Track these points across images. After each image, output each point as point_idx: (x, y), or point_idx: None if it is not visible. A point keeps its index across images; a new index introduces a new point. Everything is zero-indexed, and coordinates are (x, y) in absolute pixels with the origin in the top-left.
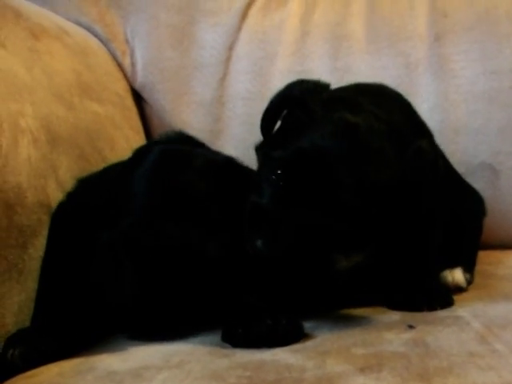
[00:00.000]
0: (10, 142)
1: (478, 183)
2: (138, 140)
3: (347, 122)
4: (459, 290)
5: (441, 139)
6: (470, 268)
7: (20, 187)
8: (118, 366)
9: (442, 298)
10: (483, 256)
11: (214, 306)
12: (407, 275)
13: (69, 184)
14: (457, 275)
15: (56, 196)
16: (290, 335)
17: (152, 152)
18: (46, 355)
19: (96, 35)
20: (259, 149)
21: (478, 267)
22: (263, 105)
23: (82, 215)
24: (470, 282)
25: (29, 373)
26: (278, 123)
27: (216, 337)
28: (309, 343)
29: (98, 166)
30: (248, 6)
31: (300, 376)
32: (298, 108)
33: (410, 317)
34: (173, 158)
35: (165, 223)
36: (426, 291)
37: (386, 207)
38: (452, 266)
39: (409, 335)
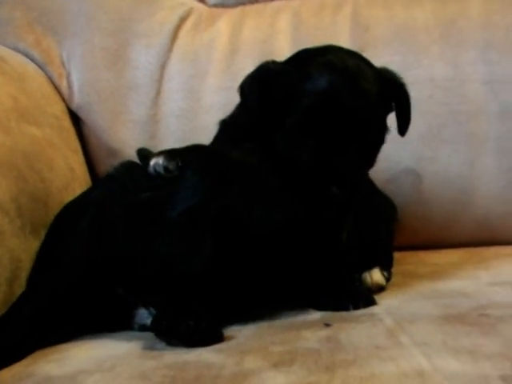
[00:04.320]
0: None
1: (402, 188)
2: (77, 159)
3: (330, 60)
4: (380, 288)
5: None
6: (386, 267)
7: None
8: (54, 372)
9: (365, 297)
10: (407, 256)
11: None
12: (330, 278)
13: (8, 204)
14: (375, 275)
15: None
16: (207, 338)
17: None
18: None
19: (33, 60)
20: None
21: (400, 267)
22: (196, 121)
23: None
24: (388, 279)
25: None
26: None
27: (147, 341)
28: (232, 343)
29: (36, 186)
30: (178, 28)
31: (218, 373)
32: (278, 78)
33: (329, 316)
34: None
35: (230, 200)
36: (350, 292)
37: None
38: (369, 268)
39: (324, 332)
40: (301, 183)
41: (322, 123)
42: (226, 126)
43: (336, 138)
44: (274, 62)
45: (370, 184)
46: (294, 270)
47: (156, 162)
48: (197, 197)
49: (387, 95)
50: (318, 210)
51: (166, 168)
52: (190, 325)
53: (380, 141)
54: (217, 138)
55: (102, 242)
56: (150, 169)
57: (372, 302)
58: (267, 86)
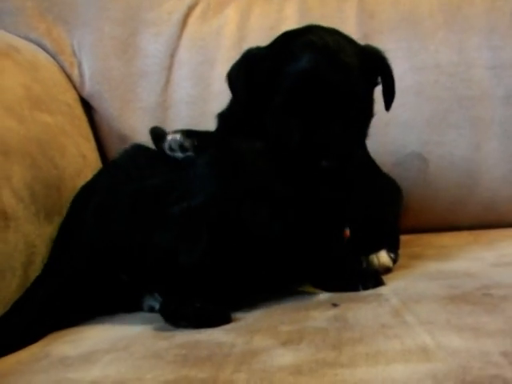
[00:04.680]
0: None
1: (409, 172)
2: (89, 146)
3: (310, 40)
4: (387, 270)
5: (372, 131)
6: (393, 248)
7: None
8: (69, 352)
9: (374, 278)
10: (413, 239)
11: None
12: (337, 260)
13: (23, 191)
14: (382, 257)
15: (11, 203)
16: (215, 319)
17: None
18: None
19: (45, 49)
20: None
21: (407, 249)
22: (205, 108)
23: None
24: (395, 260)
25: None
26: None
27: (160, 323)
28: (242, 323)
29: (49, 172)
30: (187, 15)
31: (229, 351)
32: (262, 62)
33: (337, 296)
34: (229, 146)
35: (234, 203)
36: (359, 273)
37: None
38: (376, 249)
39: (332, 312)
40: (294, 164)
41: (307, 100)
42: (223, 118)
43: (321, 113)
44: (257, 48)
45: (375, 167)
46: (297, 258)
47: (173, 137)
48: (201, 196)
49: (370, 69)
50: (315, 189)
51: (181, 145)
52: (197, 307)
53: (367, 113)
54: (217, 132)
55: (105, 231)
56: (166, 145)
57: (381, 283)
58: (253, 72)
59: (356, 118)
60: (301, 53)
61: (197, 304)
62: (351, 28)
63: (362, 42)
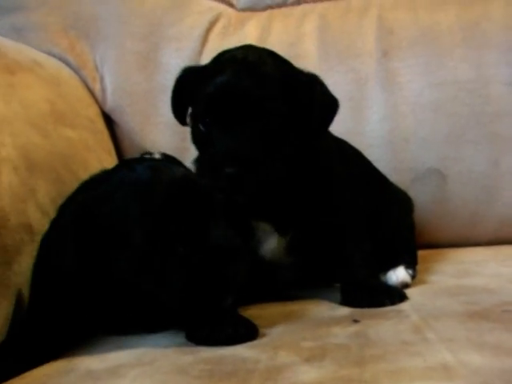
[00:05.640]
0: None
1: (427, 187)
2: (111, 160)
3: (233, 55)
4: (406, 286)
5: (391, 148)
6: (411, 264)
7: (3, 211)
8: (96, 366)
9: (398, 293)
10: (432, 254)
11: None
12: (357, 275)
13: (48, 206)
14: (400, 274)
15: (36, 217)
16: (245, 338)
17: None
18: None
19: (68, 64)
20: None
21: (426, 265)
22: None
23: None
24: (413, 276)
25: (17, 377)
26: None
27: (184, 337)
28: (265, 339)
29: (73, 187)
30: (208, 32)
31: (253, 367)
32: (190, 78)
33: (357, 312)
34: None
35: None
36: (384, 288)
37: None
38: (394, 265)
39: (353, 328)
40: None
41: (220, 108)
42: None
43: (231, 119)
44: (190, 66)
45: (384, 180)
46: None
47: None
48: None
49: (294, 87)
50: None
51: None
52: (229, 333)
53: (280, 126)
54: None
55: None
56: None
57: (405, 297)
58: (184, 87)
59: (268, 125)
60: (220, 66)
61: (229, 330)
62: (370, 44)
63: (381, 58)
